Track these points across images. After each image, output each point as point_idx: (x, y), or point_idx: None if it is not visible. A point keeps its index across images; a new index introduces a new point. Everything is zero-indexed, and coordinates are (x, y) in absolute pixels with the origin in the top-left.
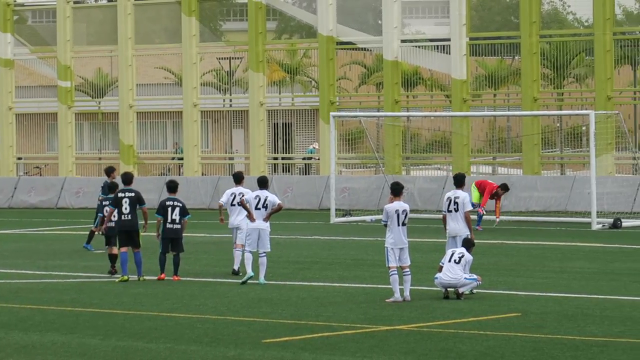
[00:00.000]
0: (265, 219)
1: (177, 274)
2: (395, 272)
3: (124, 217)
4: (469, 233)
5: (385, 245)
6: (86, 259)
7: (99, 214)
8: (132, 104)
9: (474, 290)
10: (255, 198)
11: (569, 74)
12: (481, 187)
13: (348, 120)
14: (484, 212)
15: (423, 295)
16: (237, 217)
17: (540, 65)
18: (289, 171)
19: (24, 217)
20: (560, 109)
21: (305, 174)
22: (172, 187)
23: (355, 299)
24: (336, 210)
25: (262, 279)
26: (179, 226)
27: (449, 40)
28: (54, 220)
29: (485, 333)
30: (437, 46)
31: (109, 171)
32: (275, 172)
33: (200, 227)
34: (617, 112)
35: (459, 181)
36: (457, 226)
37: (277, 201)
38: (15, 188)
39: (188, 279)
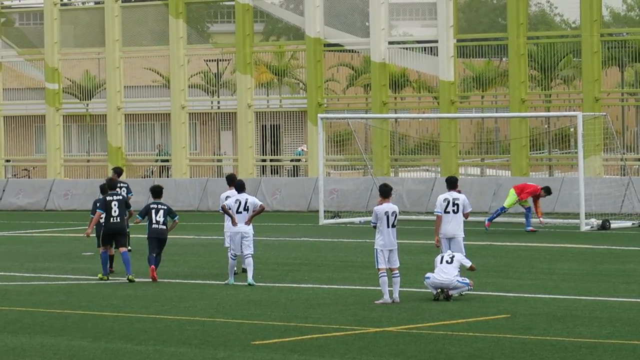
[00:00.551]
0: (247, 222)
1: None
2: (385, 274)
3: (113, 219)
4: (464, 235)
5: (375, 247)
6: (75, 261)
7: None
8: (120, 106)
9: (463, 293)
10: (236, 202)
11: (556, 75)
12: (523, 190)
13: (336, 122)
14: (532, 212)
15: (412, 297)
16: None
17: (528, 67)
18: (277, 173)
19: (13, 219)
20: (548, 111)
21: (294, 176)
22: (156, 192)
23: (344, 300)
24: (325, 212)
25: (250, 280)
26: (164, 227)
27: (436, 42)
28: (43, 223)
29: (474, 334)
30: (425, 48)
31: (116, 172)
32: (263, 173)
33: (189, 228)
34: (604, 113)
35: (453, 183)
36: (453, 228)
37: (258, 203)
38: (3, 190)
39: (177, 280)
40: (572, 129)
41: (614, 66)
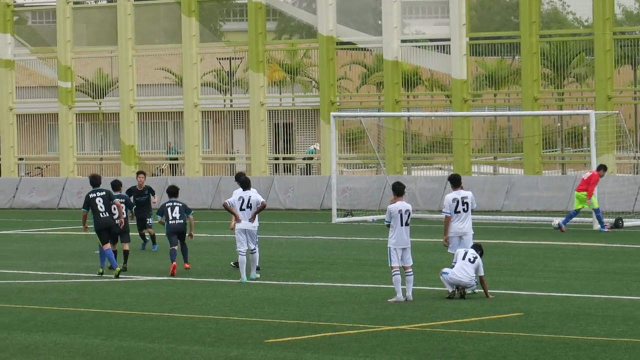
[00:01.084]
0: (251, 219)
1: (187, 262)
2: (398, 272)
3: (102, 215)
4: (473, 232)
5: (388, 246)
6: (87, 259)
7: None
8: (132, 104)
9: (475, 290)
10: (239, 199)
11: (569, 73)
12: (588, 184)
13: (349, 120)
14: (600, 210)
15: (425, 295)
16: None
17: (541, 65)
18: (290, 171)
19: (26, 217)
20: (561, 109)
21: (307, 174)
22: (172, 192)
23: (357, 299)
24: (337, 210)
25: (253, 274)
26: (181, 221)
27: (449, 40)
28: (56, 221)
29: (487, 333)
30: (437, 46)
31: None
32: (276, 172)
33: (203, 227)
34: (617, 112)
35: (457, 182)
36: (465, 226)
37: (261, 199)
38: (16, 188)
39: (190, 279)
40: (584, 127)
41: (626, 64)
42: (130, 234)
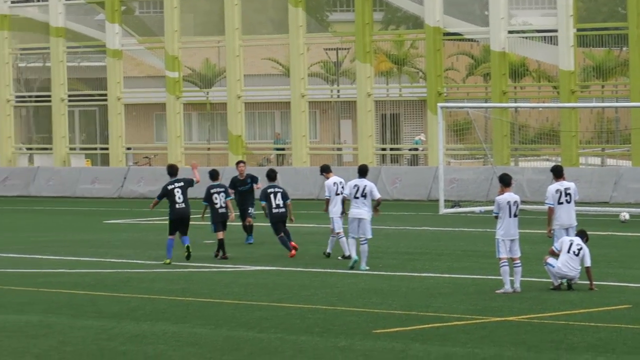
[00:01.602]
0: (375, 213)
1: (292, 241)
2: (506, 263)
3: (178, 205)
4: (576, 224)
5: (496, 237)
6: (195, 249)
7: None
8: (240, 94)
9: (578, 281)
10: (354, 187)
11: None
12: None
13: (455, 111)
14: None
15: (533, 286)
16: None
17: None
18: (397, 162)
19: (134, 206)
20: None
21: (414, 165)
22: (272, 176)
23: (464, 290)
24: (445, 201)
25: (363, 266)
26: (283, 209)
27: (556, 31)
28: (164, 210)
29: (595, 325)
30: (545, 37)
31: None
32: (383, 162)
33: (309, 217)
34: None
35: (559, 172)
36: (569, 217)
37: (377, 194)
38: (124, 178)
39: (298, 269)
40: None
41: None
42: (232, 223)
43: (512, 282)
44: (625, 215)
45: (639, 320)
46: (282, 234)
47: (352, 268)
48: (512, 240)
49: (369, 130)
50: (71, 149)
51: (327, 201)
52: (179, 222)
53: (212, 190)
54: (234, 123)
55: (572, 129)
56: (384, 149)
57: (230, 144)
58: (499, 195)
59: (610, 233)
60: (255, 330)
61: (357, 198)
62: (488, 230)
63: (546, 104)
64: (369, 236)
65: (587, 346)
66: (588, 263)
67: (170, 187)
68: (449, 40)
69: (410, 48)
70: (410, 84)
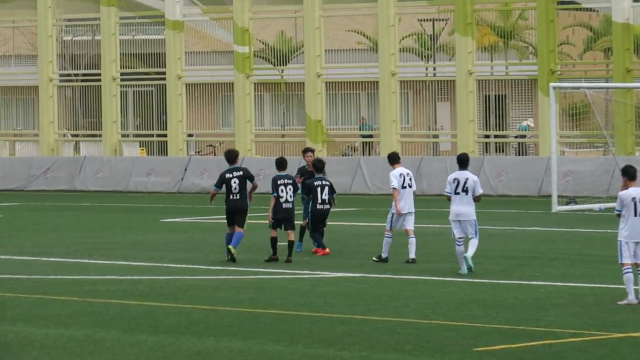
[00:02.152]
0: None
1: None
2: (630, 269)
3: (233, 196)
4: None
5: (619, 239)
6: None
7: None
8: (320, 72)
9: None
10: (454, 181)
11: None
12: None
13: (571, 92)
14: None
15: None
16: (407, 201)
17: None
18: (502, 151)
19: (196, 202)
20: None
21: (522, 155)
22: (319, 167)
23: (581, 300)
24: (558, 197)
25: (470, 254)
26: (328, 206)
27: None
28: None
29: None
30: None
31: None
32: (486, 152)
33: None
34: None
35: None
36: None
37: (480, 189)
38: (185, 170)
39: (386, 276)
40: None
41: None
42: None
43: (636, 292)
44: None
45: None
46: (318, 233)
47: (469, 269)
48: (637, 243)
49: (470, 114)
50: (123, 135)
51: (397, 192)
52: (233, 214)
53: (279, 182)
54: (312, 106)
55: None
56: (487, 136)
57: (308, 130)
58: (622, 190)
59: None
60: (336, 348)
61: (458, 194)
62: (609, 231)
63: None
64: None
65: None
66: None
67: (228, 175)
68: (563, 9)
69: (518, 19)
70: (518, 60)
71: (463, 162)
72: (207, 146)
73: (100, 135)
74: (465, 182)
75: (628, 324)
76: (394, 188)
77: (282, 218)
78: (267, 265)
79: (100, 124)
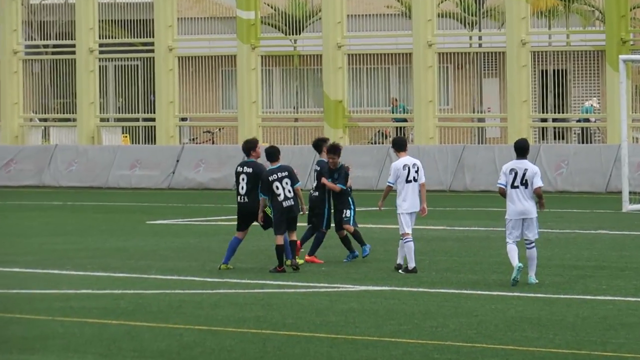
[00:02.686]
0: (541, 206)
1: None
2: None
3: (242, 198)
4: None
5: None
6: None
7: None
8: (340, 43)
9: None
10: (511, 172)
11: None
12: None
13: None
14: None
15: None
16: (413, 198)
17: None
18: (562, 138)
19: (190, 201)
20: None
21: (586, 143)
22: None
23: None
24: (630, 193)
25: (532, 278)
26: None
27: None
28: (232, 207)
29: None
30: None
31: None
32: (543, 139)
33: (436, 216)
34: None
35: None
36: None
37: (539, 181)
38: (177, 161)
39: (420, 289)
40: None
41: None
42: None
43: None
44: None
45: None
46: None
47: (515, 283)
48: None
49: (523, 93)
50: (103, 120)
51: (388, 189)
52: (241, 219)
53: (271, 178)
54: (332, 83)
55: None
56: (544, 120)
57: (326, 112)
58: None
59: None
60: None
61: (516, 187)
62: None
63: None
64: (536, 237)
65: None
66: None
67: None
68: None
69: None
70: (581, 28)
71: (522, 149)
72: (204, 132)
73: (74, 120)
74: (524, 174)
75: None
76: (388, 184)
77: (285, 220)
78: (275, 276)
79: (75, 106)
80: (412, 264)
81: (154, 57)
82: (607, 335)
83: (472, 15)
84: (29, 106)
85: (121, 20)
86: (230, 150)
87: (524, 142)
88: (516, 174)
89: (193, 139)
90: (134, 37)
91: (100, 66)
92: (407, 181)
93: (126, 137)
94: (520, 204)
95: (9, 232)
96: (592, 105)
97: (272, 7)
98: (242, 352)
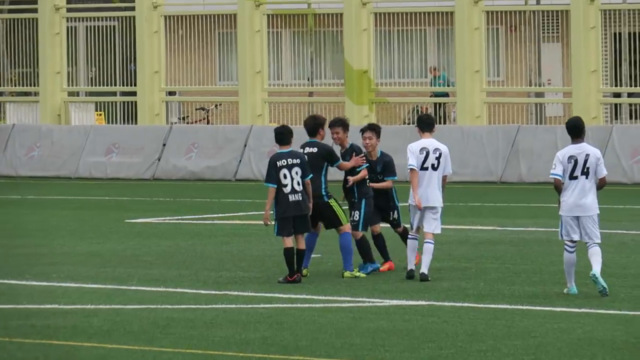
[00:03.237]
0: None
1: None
2: None
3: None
4: None
5: None
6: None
7: None
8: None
9: None
10: (569, 159)
11: None
12: None
13: None
14: None
15: None
16: (427, 189)
17: None
18: (638, 117)
19: (178, 194)
20: None
21: None
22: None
23: None
24: None
25: (600, 281)
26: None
27: None
28: (232, 202)
29: None
30: None
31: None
32: (616, 118)
33: (486, 213)
34: None
35: None
36: None
37: (603, 169)
38: (163, 145)
39: (464, 304)
40: None
41: None
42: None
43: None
44: None
45: None
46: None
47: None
48: None
49: (592, 62)
50: (71, 94)
51: (413, 176)
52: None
53: (279, 163)
54: (355, 49)
55: None
56: (617, 95)
57: (347, 84)
58: None
59: None
60: None
61: (575, 178)
62: None
63: None
64: (599, 239)
65: None
66: None
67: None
68: None
69: None
70: None
71: (578, 129)
72: (196, 110)
73: (36, 94)
74: (585, 161)
75: None
76: (411, 169)
77: (291, 217)
78: (285, 288)
79: (37, 78)
80: (410, 266)
81: (134, 17)
82: None
83: None
84: None
85: None
86: (229, 131)
87: (577, 120)
88: (576, 161)
89: (183, 118)
90: None
91: (68, 27)
92: (423, 168)
93: (100, 115)
94: (578, 196)
95: None
96: None
97: None
98: None
